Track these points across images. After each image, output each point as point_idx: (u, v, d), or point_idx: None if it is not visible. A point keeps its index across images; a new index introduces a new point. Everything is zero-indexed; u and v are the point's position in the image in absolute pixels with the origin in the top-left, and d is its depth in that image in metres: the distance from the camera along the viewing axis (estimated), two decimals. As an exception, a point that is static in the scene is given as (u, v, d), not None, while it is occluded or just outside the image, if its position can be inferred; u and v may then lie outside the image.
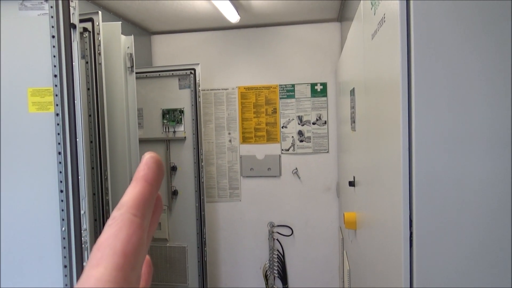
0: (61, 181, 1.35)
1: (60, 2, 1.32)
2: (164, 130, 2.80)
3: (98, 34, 1.72)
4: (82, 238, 1.38)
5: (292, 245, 3.08)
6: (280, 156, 3.05)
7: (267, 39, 3.06)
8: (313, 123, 3.01)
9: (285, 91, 3.04)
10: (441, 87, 0.69)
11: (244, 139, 3.09)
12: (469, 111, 0.69)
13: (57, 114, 1.34)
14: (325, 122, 2.99)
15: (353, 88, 1.56)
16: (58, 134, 1.34)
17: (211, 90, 3.12)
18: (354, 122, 1.55)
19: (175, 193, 2.81)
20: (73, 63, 1.34)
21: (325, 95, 2.99)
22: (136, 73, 2.10)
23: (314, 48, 3.00)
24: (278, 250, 3.09)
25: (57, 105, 1.34)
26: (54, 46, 1.33)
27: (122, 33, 1.96)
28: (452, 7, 0.69)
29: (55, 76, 1.33)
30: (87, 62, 1.73)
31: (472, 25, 0.68)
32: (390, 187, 0.84)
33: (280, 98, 3.04)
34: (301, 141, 3.03)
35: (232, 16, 2.60)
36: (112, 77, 1.90)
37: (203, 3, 2.48)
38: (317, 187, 3.03)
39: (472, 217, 0.69)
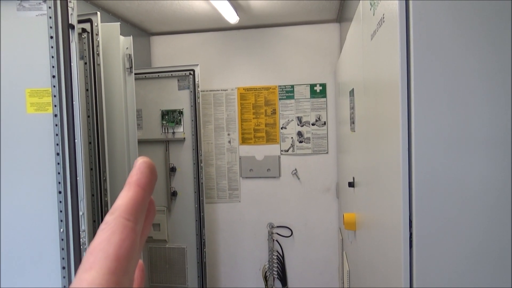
0: (59, 182, 1.35)
1: (58, 3, 1.32)
2: (163, 131, 2.79)
3: (97, 35, 1.72)
4: (81, 240, 1.37)
5: (291, 246, 3.08)
6: (279, 157, 3.05)
7: (266, 40, 3.06)
8: (313, 124, 3.01)
9: (285, 92, 3.04)
10: (440, 87, 0.69)
11: (244, 140, 3.09)
12: (468, 111, 0.69)
13: (56, 115, 1.34)
14: (325, 123, 2.99)
15: (352, 88, 1.56)
16: (57, 135, 1.34)
17: (210, 91, 3.11)
18: (353, 122, 1.55)
19: (174, 194, 2.81)
20: (72, 64, 1.34)
21: (325, 96, 2.99)
22: (135, 74, 2.10)
23: (313, 49, 3.00)
24: (277, 251, 3.08)
25: (55, 106, 1.33)
26: (52, 47, 1.33)
27: (121, 34, 1.95)
28: (452, 7, 0.68)
29: (54, 77, 1.33)
30: (85, 63, 1.73)
31: (472, 25, 0.68)
32: (389, 187, 0.84)
33: (280, 99, 3.04)
34: (301, 142, 3.02)
35: (231, 17, 2.60)
36: (110, 78, 1.89)
37: (202, 4, 2.48)
38: (316, 188, 3.03)
39: (472, 218, 0.69)
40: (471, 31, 0.68)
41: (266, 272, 3.08)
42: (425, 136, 0.70)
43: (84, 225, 1.37)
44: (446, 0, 0.68)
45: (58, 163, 1.34)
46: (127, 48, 2.00)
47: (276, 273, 3.07)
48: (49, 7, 1.32)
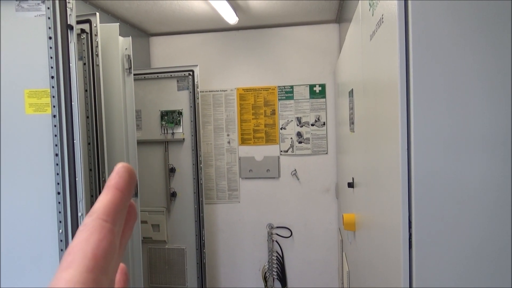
0: (58, 183, 1.34)
1: (57, 3, 1.32)
2: (163, 131, 2.79)
3: (96, 35, 1.72)
4: (80, 241, 1.36)
5: (291, 246, 3.08)
6: (279, 158, 3.05)
7: (266, 40, 3.06)
8: (312, 124, 3.01)
9: (284, 92, 3.04)
10: (439, 88, 0.69)
11: (243, 141, 3.09)
12: (467, 112, 0.69)
13: (54, 116, 1.33)
14: (324, 123, 2.99)
15: (352, 89, 1.56)
16: (55, 135, 1.34)
17: (209, 91, 3.11)
18: (352, 123, 1.55)
19: (173, 194, 2.81)
20: (70, 65, 1.34)
21: (324, 96, 2.99)
22: (134, 74, 2.09)
23: (312, 49, 3.00)
24: (277, 252, 3.08)
25: (54, 106, 1.33)
26: (51, 47, 1.32)
27: (120, 35, 1.95)
28: (451, 8, 0.68)
29: (52, 77, 1.33)
30: (84, 64, 1.72)
31: (471, 25, 0.68)
32: (389, 188, 0.84)
33: (279, 99, 3.04)
34: (300, 142, 3.02)
35: (231, 17, 2.60)
36: (110, 78, 1.89)
37: (201, 4, 2.48)
38: (316, 188, 3.03)
39: (471, 218, 0.69)
40: (470, 31, 0.68)
41: (265, 272, 3.08)
42: (424, 136, 0.70)
43: (83, 226, 1.37)
44: (445, 0, 0.68)
45: (57, 164, 1.34)
46: (126, 48, 2.00)
47: (275, 273, 3.07)
48: (48, 8, 1.32)
